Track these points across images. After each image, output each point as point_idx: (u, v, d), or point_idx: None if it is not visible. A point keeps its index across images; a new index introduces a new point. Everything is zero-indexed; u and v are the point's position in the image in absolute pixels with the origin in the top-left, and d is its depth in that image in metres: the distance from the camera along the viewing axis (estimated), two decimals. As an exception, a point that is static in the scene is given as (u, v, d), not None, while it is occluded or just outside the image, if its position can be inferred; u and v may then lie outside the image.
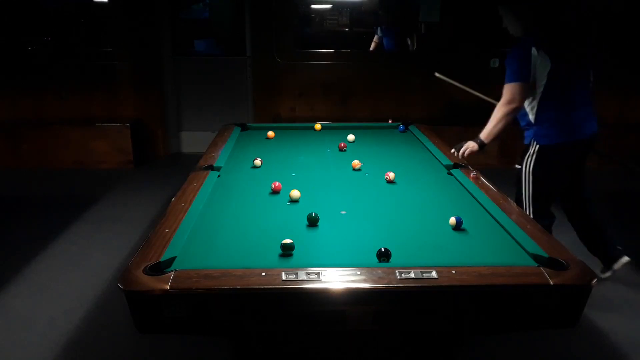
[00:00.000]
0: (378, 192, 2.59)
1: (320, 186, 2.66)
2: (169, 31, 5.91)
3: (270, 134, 3.76)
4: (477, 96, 3.58)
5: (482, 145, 2.99)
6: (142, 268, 1.66)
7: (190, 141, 6.13)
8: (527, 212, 2.91)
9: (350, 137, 3.62)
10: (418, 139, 3.67)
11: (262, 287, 1.57)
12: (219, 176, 2.77)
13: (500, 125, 2.90)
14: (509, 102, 2.83)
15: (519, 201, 2.97)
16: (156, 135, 5.91)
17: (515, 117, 2.91)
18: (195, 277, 1.61)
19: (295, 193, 2.40)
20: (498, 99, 2.90)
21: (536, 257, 1.79)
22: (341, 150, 3.39)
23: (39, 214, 4.33)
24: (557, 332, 2.03)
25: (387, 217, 2.25)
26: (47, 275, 3.29)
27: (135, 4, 5.54)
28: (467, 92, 3.59)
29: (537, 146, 2.90)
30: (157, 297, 1.56)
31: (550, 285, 1.59)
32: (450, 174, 2.83)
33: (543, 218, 2.86)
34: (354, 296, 1.59)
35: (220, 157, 3.09)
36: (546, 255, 1.78)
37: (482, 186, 2.55)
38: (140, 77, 5.73)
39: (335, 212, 2.26)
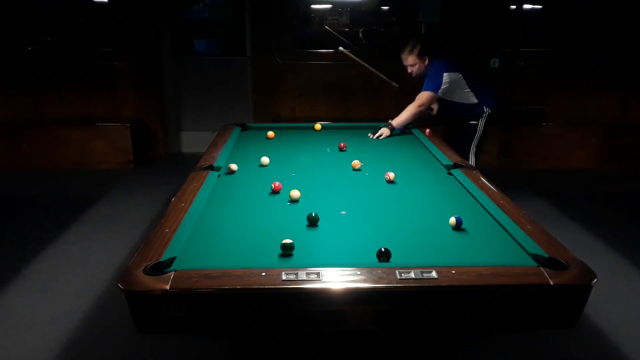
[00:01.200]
0: (378, 192, 2.59)
1: (320, 186, 2.66)
2: (169, 31, 5.91)
3: (270, 134, 3.76)
4: (378, 76, 4.00)
5: (392, 130, 3.75)
6: (142, 268, 1.66)
7: (190, 141, 6.13)
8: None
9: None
10: (418, 139, 3.67)
11: (262, 287, 1.57)
12: (219, 176, 2.77)
13: (411, 117, 3.82)
14: (421, 104, 3.79)
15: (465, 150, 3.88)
16: (156, 135, 5.91)
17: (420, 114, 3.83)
18: (195, 277, 1.61)
19: (295, 193, 2.40)
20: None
21: (536, 257, 1.79)
22: (341, 150, 3.39)
23: (39, 214, 4.32)
24: (557, 332, 2.03)
25: (387, 217, 2.25)
26: (47, 275, 3.28)
27: (135, 4, 5.54)
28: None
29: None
30: (157, 297, 1.56)
31: (550, 285, 1.59)
32: (450, 174, 2.83)
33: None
34: (354, 296, 1.59)
35: (220, 157, 3.10)
36: (546, 255, 1.78)
37: (482, 186, 2.55)
38: (140, 77, 5.72)
39: (335, 212, 2.26)
